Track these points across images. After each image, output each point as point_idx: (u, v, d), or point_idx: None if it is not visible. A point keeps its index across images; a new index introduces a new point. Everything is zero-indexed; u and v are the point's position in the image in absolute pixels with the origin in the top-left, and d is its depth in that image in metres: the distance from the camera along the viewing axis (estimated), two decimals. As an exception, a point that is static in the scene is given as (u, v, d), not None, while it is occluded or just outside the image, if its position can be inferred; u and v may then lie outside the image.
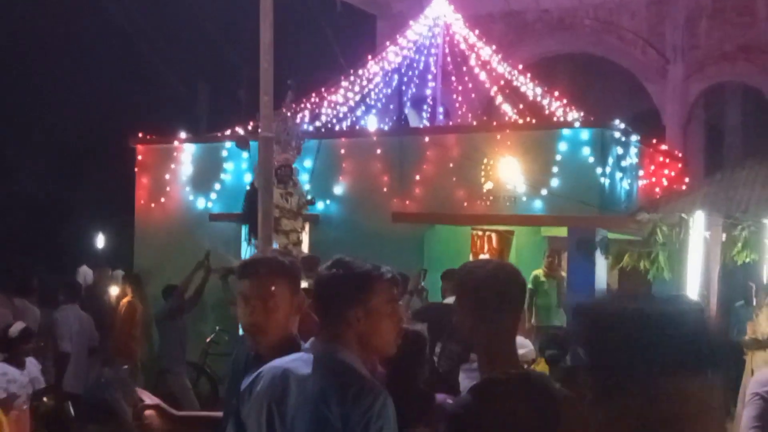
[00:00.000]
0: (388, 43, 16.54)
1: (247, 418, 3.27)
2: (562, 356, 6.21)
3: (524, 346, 6.84)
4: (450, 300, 8.67)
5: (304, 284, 5.47)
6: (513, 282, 3.34)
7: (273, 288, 3.56)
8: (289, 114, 11.61)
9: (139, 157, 15.39)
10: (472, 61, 15.81)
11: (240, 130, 14.46)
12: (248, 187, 11.75)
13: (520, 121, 14.46)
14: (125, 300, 11.71)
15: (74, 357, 10.33)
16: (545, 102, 15.00)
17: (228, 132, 14.94)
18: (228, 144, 14.34)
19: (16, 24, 26.50)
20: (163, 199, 14.95)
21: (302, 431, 3.10)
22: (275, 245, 10.83)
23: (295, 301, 3.75)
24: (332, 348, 3.13)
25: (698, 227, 9.64)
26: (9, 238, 23.55)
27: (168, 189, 14.95)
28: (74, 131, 27.62)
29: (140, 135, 15.49)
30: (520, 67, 15.85)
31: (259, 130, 9.63)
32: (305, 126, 14.89)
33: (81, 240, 26.27)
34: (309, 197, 12.46)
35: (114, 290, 13.64)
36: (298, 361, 3.19)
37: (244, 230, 12.42)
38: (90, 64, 26.80)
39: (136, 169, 15.43)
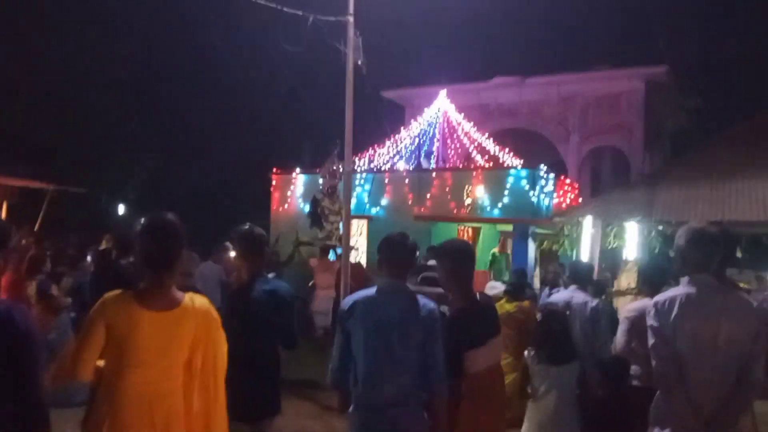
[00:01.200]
0: (412, 120, 16.79)
1: (353, 327, 2.97)
2: (514, 293, 6.28)
3: (497, 287, 6.96)
4: (432, 263, 8.75)
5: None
6: (468, 250, 3.38)
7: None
8: (336, 161, 11.87)
9: (273, 182, 15.69)
10: (459, 131, 16.02)
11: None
12: (315, 196, 11.89)
13: (486, 165, 14.59)
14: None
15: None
16: (500, 154, 15.17)
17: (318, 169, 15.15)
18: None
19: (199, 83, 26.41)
20: (286, 206, 15.28)
21: (412, 329, 2.90)
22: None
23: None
24: (403, 284, 3.07)
25: (587, 226, 9.76)
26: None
27: (288, 201, 15.28)
28: (233, 163, 27.41)
29: (275, 169, 15.82)
30: (486, 134, 16.05)
31: (341, 168, 9.80)
32: (366, 167, 15.19)
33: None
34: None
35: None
36: (385, 293, 3.01)
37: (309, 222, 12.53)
38: (242, 122, 26.69)
39: (271, 189, 15.74)
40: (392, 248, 3.08)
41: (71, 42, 21.26)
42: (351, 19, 7.14)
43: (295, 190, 15.15)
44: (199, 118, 26.88)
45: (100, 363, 2.36)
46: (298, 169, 15.36)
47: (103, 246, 8.65)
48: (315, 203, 12.02)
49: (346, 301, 3.10)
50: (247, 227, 3.69)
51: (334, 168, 12.24)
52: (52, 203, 11.75)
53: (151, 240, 2.42)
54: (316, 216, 11.87)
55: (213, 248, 8.51)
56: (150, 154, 25.22)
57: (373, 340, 2.92)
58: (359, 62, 7.41)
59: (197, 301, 2.51)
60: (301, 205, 14.72)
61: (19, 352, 2.02)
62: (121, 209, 26.05)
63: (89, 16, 23.05)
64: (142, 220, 2.49)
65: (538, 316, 4.05)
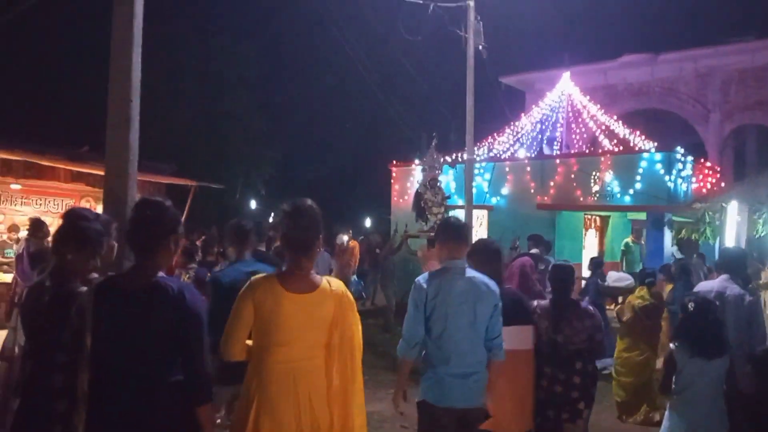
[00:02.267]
0: (533, 106, 16.34)
1: (438, 303, 3.20)
2: (651, 283, 6.01)
3: (627, 278, 6.67)
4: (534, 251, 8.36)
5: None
6: (491, 249, 3.76)
7: None
8: (435, 153, 11.62)
9: (393, 174, 15.96)
10: (585, 115, 15.37)
11: (449, 159, 14.66)
12: (417, 190, 11.80)
13: (616, 150, 13.88)
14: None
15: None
16: (631, 137, 14.37)
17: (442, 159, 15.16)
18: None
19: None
20: (405, 197, 15.45)
21: (484, 304, 3.21)
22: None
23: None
24: (464, 263, 3.33)
25: (732, 212, 9.06)
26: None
27: (408, 192, 15.44)
28: (354, 156, 27.87)
29: (394, 162, 16.07)
30: (614, 117, 15.27)
31: (465, 156, 9.76)
32: (486, 155, 14.97)
33: (355, 221, 26.96)
34: (447, 195, 12.32)
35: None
36: (456, 272, 3.30)
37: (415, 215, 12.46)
38: (363, 115, 27.17)
39: (391, 181, 16.02)
40: (450, 231, 3.39)
41: (201, 46, 22.78)
42: (471, 3, 7.06)
43: (413, 182, 15.28)
44: (321, 113, 27.83)
45: (249, 342, 2.54)
46: (416, 161, 15.46)
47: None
48: (418, 196, 12.09)
49: (425, 279, 3.30)
50: (236, 220, 4.62)
51: (435, 159, 12.30)
52: (194, 199, 12.70)
53: (292, 225, 2.57)
54: (420, 209, 11.93)
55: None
56: (275, 152, 26.58)
57: (460, 315, 3.21)
58: (480, 47, 7.32)
59: (334, 284, 2.62)
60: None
61: (189, 328, 2.23)
62: (253, 204, 27.68)
63: (217, 20, 24.60)
64: (285, 205, 2.63)
65: (690, 305, 3.77)
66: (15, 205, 10.75)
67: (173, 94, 21.70)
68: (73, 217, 2.61)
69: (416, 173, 15.14)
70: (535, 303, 4.07)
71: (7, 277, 8.71)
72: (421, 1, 6.89)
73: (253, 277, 2.58)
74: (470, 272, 3.29)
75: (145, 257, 2.35)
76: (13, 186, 10.32)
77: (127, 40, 5.61)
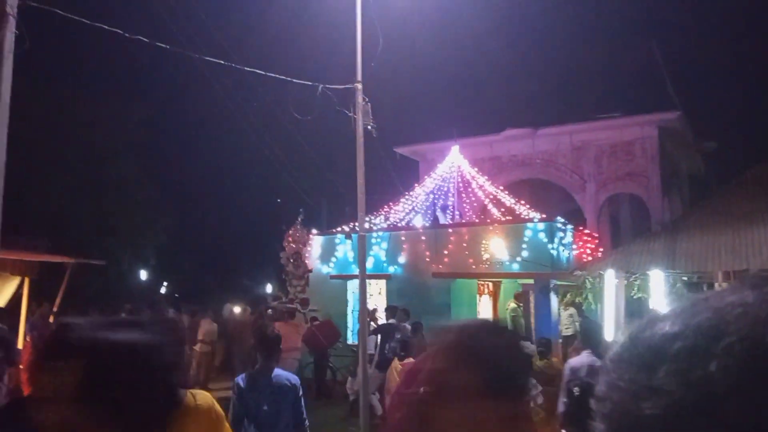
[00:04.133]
0: (426, 176, 16.88)
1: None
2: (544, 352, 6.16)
3: (528, 347, 6.82)
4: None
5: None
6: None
7: None
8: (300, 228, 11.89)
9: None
10: (474, 185, 16.04)
11: (346, 228, 14.69)
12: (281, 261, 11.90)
13: (503, 219, 14.49)
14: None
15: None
16: (516, 206, 15.09)
17: (338, 229, 15.17)
18: (338, 237, 14.67)
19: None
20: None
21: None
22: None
23: None
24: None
25: (610, 278, 9.58)
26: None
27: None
28: (254, 222, 27.23)
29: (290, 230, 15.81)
30: (501, 187, 16.04)
31: (358, 229, 9.82)
32: (382, 224, 15.17)
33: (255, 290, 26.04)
34: (308, 269, 12.44)
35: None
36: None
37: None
38: (255, 187, 26.70)
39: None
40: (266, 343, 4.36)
41: (83, 109, 21.75)
42: (359, 86, 7.27)
43: (311, 252, 15.13)
44: (219, 178, 27.31)
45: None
46: (314, 231, 15.38)
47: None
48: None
49: (241, 378, 4.19)
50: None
51: (298, 235, 12.52)
52: (75, 275, 11.81)
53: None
54: (281, 281, 12.02)
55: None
56: (168, 218, 25.51)
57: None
58: (369, 127, 7.50)
59: (199, 398, 2.41)
60: (319, 266, 14.70)
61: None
62: (143, 275, 26.16)
63: (102, 84, 23.75)
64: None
65: (576, 390, 3.87)
66: None
67: (52, 163, 20.45)
68: None
69: (315, 243, 15.01)
70: None
71: None
72: (310, 83, 7.01)
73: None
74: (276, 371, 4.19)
75: None
76: None
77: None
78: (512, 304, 13.37)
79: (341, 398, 10.73)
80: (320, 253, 14.90)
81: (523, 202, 15.09)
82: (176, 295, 25.58)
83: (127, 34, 6.36)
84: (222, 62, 6.49)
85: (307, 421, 4.20)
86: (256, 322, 12.14)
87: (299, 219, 11.99)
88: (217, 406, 2.43)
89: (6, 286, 9.60)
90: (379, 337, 9.58)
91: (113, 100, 22.83)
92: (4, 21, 5.76)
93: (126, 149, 23.59)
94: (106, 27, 5.90)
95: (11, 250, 8.26)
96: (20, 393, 4.70)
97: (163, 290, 28.06)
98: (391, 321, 9.00)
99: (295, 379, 4.25)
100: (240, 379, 4.05)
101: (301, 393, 4.20)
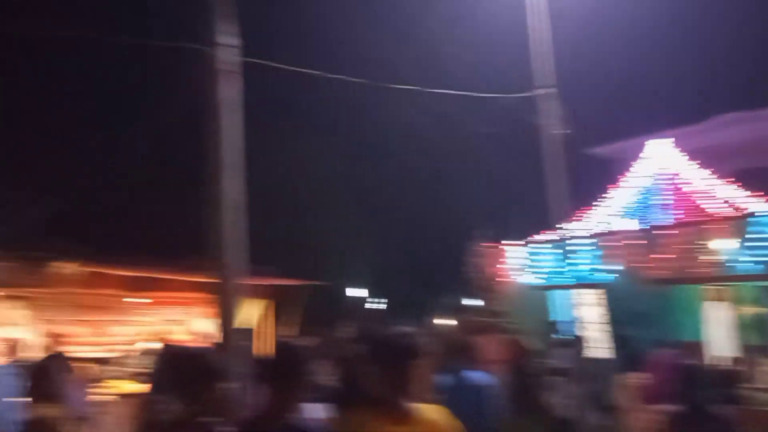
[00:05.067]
0: (624, 176, 15.55)
1: None
2: None
3: None
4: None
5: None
6: None
7: None
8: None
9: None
10: (688, 178, 14.46)
11: (545, 237, 14.05)
12: None
13: (732, 214, 12.81)
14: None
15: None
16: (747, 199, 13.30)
17: (537, 237, 14.59)
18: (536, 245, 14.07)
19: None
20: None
21: None
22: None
23: None
24: None
25: None
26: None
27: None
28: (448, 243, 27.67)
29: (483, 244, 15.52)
30: (723, 178, 14.27)
31: (559, 236, 9.37)
32: (584, 229, 14.32)
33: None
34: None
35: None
36: None
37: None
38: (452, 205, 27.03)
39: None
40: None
41: (294, 143, 23.92)
42: (551, 91, 7.00)
43: (507, 263, 14.69)
44: (409, 204, 28.29)
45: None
46: (510, 240, 15.02)
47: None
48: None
49: None
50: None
51: (488, 247, 12.16)
52: (301, 296, 12.99)
53: None
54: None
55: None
56: (373, 240, 27.01)
57: None
58: (565, 131, 7.17)
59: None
60: (516, 276, 14.26)
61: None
62: (359, 293, 28.01)
63: (308, 119, 25.92)
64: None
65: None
66: (140, 316, 11.51)
67: (276, 196, 22.82)
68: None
69: (508, 255, 14.49)
70: None
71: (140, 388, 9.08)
72: (502, 95, 6.92)
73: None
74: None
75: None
76: (139, 300, 11.08)
77: (218, 167, 6.05)
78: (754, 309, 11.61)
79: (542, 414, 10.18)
80: (517, 263, 14.46)
81: (755, 193, 13.22)
82: (392, 310, 26.94)
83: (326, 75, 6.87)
84: (412, 87, 6.71)
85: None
86: (460, 334, 12.24)
87: (487, 231, 11.90)
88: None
89: (255, 309, 10.84)
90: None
91: (319, 132, 24.95)
92: (224, 76, 6.54)
93: (335, 178, 25.60)
94: (330, 75, 6.43)
95: (255, 276, 9.29)
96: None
97: (377, 306, 29.79)
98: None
99: (487, 384, 4.19)
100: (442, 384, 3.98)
101: (493, 399, 4.10)
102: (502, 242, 14.61)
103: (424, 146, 24.24)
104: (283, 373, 2.48)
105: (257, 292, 11.40)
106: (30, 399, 3.34)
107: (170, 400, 3.23)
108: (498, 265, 14.22)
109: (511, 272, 14.32)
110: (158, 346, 8.22)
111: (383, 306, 29.99)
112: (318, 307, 19.95)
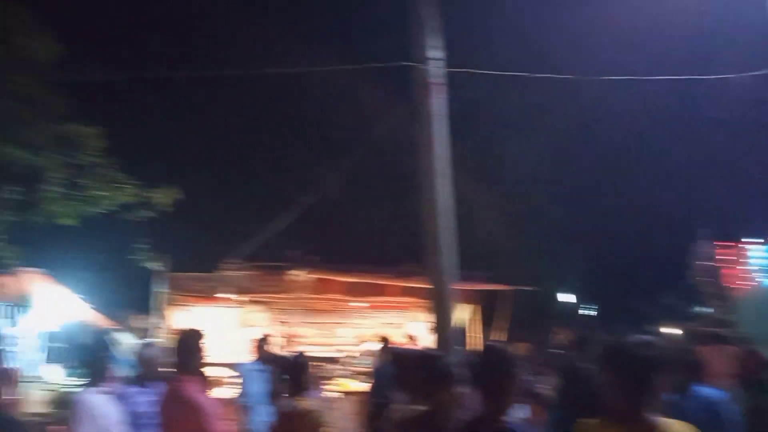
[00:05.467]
0: None
1: None
2: None
3: None
4: None
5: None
6: None
7: None
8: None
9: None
10: None
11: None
12: None
13: None
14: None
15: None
16: None
17: None
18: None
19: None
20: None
21: None
22: None
23: None
24: None
25: None
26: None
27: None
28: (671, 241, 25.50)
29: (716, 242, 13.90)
30: None
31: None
32: None
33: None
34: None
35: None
36: None
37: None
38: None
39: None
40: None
41: (497, 147, 23.69)
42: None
43: (745, 264, 12.97)
44: (622, 205, 26.39)
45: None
46: (749, 240, 13.25)
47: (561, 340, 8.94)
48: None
49: None
50: None
51: (714, 249, 10.46)
52: (507, 301, 12.84)
53: None
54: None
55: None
56: (581, 245, 25.73)
57: None
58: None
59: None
60: (759, 280, 12.51)
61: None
62: (567, 298, 26.89)
63: (510, 122, 25.53)
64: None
65: None
66: (361, 319, 12.32)
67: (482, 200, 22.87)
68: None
69: (749, 255, 12.84)
70: None
71: (362, 386, 9.69)
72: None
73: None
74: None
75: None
76: (360, 304, 11.89)
77: (430, 175, 6.22)
78: None
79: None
80: (759, 264, 12.66)
81: None
82: (604, 317, 25.45)
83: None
84: (633, 77, 6.24)
85: None
86: (688, 345, 11.04)
87: (716, 229, 10.55)
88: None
89: (463, 313, 11.00)
90: None
91: (526, 135, 24.50)
92: (432, 89, 6.72)
93: (542, 181, 24.94)
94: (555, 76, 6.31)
95: (464, 281, 9.40)
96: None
97: (587, 312, 28.26)
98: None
99: (720, 400, 3.71)
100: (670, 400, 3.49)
101: (728, 418, 3.55)
102: (741, 241, 12.91)
103: (641, 140, 22.51)
104: (496, 376, 2.50)
105: (466, 297, 11.52)
106: (285, 392, 3.74)
107: (403, 399, 3.41)
108: (734, 267, 12.58)
109: (750, 275, 12.58)
110: (379, 347, 8.71)
111: (594, 312, 28.38)
112: (526, 313, 19.53)
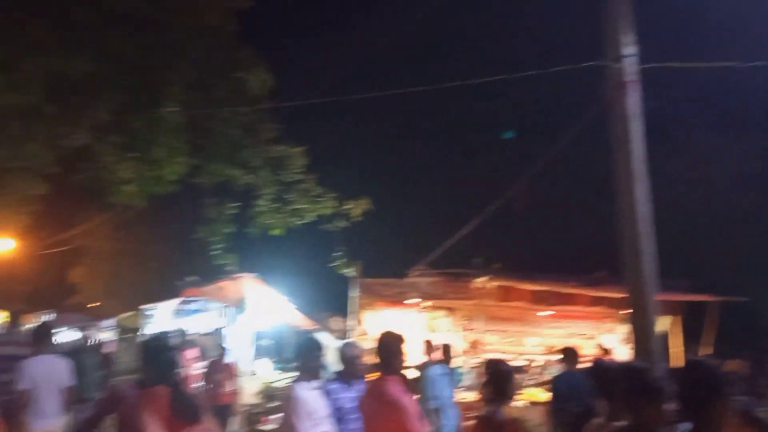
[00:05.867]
0: None
1: None
2: None
3: None
4: None
5: None
6: None
7: None
8: None
9: None
10: None
11: None
12: None
13: None
14: None
15: None
16: None
17: None
18: None
19: None
20: None
21: None
22: None
23: None
24: None
25: None
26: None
27: None
28: None
29: None
30: None
31: None
32: None
33: None
34: None
35: None
36: None
37: None
38: None
39: None
40: None
41: (695, 146, 21.47)
42: None
43: None
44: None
45: None
46: None
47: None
48: None
49: None
50: None
51: None
52: (715, 313, 11.59)
53: None
54: None
55: None
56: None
57: None
58: None
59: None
60: None
61: None
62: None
63: (715, 117, 23.00)
64: None
65: None
66: (547, 329, 11.93)
67: (675, 203, 20.93)
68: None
69: None
70: None
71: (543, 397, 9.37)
72: None
73: None
74: None
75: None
76: (545, 313, 11.52)
77: (629, 178, 5.85)
78: None
79: None
80: None
81: None
82: None
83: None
84: None
85: None
86: None
87: None
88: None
89: (661, 325, 10.17)
90: None
91: (726, 132, 21.96)
92: (628, 87, 6.31)
93: (744, 181, 22.11)
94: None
95: (663, 290, 8.73)
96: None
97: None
98: None
99: None
100: None
101: None
102: None
103: None
104: (701, 393, 2.29)
105: (665, 307, 10.62)
106: (491, 397, 3.72)
107: (605, 412, 3.26)
108: None
109: None
110: (559, 357, 8.31)
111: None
112: (736, 326, 17.40)
